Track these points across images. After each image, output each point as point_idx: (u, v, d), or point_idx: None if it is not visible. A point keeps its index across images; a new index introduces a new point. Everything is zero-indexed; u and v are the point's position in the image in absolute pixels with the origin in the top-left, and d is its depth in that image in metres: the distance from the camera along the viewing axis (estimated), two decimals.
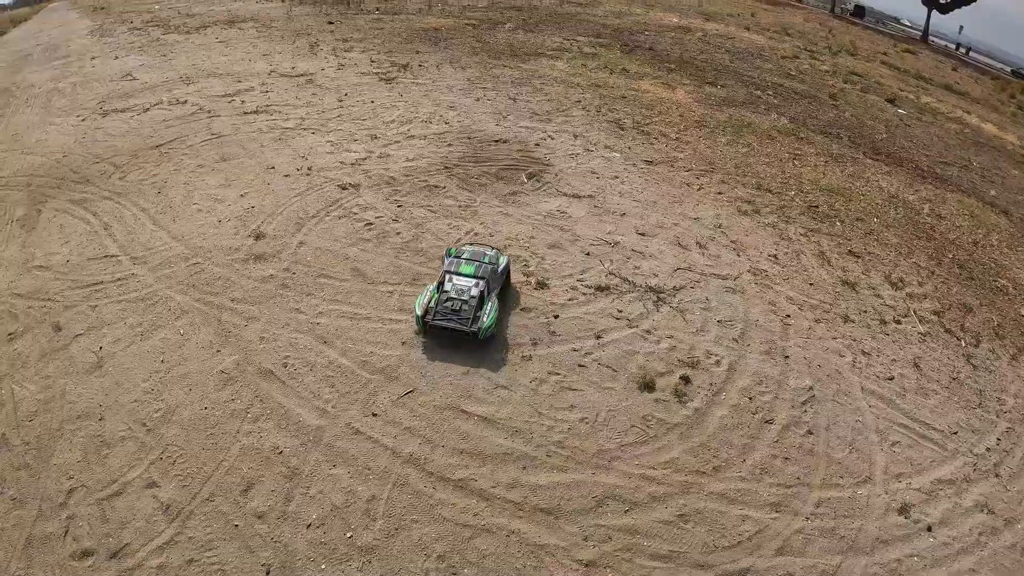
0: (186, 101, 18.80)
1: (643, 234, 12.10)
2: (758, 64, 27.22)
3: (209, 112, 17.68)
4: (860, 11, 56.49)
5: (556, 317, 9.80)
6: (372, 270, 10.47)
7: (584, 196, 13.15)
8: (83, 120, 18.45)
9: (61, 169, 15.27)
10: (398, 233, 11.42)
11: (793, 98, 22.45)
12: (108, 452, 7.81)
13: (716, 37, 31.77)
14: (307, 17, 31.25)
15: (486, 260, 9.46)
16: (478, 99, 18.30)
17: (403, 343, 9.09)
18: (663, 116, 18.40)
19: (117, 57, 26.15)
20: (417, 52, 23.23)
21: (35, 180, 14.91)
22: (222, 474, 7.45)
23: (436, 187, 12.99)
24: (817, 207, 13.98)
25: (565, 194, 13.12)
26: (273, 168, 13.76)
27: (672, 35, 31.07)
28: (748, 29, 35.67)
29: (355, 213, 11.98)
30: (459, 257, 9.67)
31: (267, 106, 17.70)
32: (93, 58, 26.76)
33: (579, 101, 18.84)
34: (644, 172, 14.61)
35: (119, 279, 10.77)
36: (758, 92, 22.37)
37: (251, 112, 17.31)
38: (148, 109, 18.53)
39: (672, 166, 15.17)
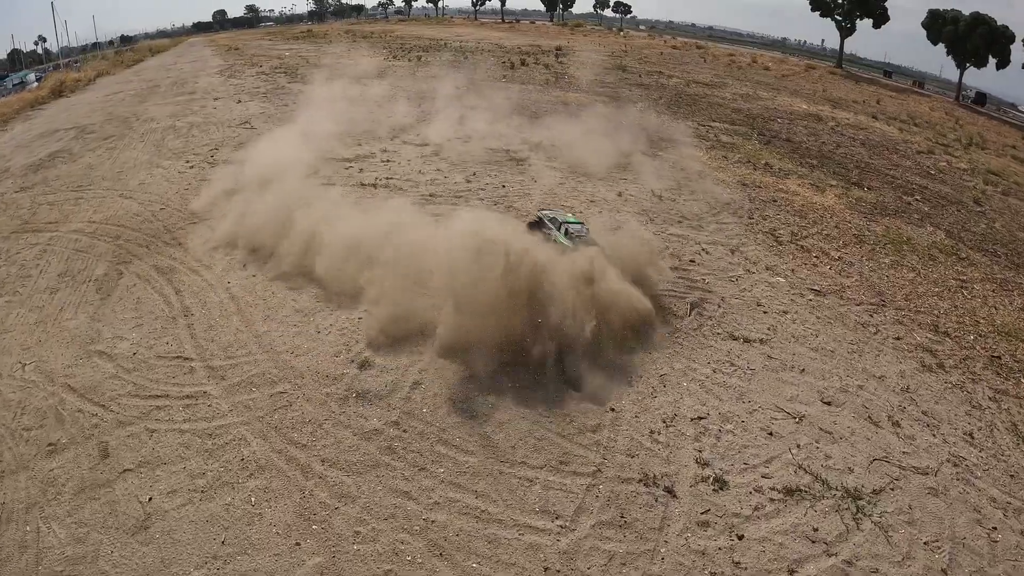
0: (301, 160, 16.69)
1: (829, 403, 9.15)
2: (896, 160, 24.62)
3: (324, 178, 15.50)
4: (982, 98, 53.55)
5: (740, 538, 6.88)
6: (506, 440, 7.64)
7: (755, 340, 10.25)
8: (191, 167, 16.57)
9: (155, 224, 13.21)
10: (542, 386, 8.59)
11: (941, 204, 19.89)
12: None
13: (848, 128, 29.28)
14: (433, 80, 29.48)
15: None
16: (619, 193, 15.68)
17: (546, 569, 6.23)
18: (819, 227, 15.66)
19: (240, 101, 24.66)
20: (548, 129, 20.79)
21: (125, 233, 12.89)
22: None
23: None
24: (999, 357, 11.28)
25: (733, 336, 10.24)
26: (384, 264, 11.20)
27: (804, 124, 28.69)
28: (876, 118, 33.27)
29: None
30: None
31: (387, 179, 15.43)
32: (216, 99, 25.38)
33: (728, 203, 16.12)
34: (814, 306, 11.76)
35: (188, 396, 8.28)
36: (907, 198, 19.83)
37: (368, 184, 15.02)
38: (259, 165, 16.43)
39: (841, 297, 12.37)
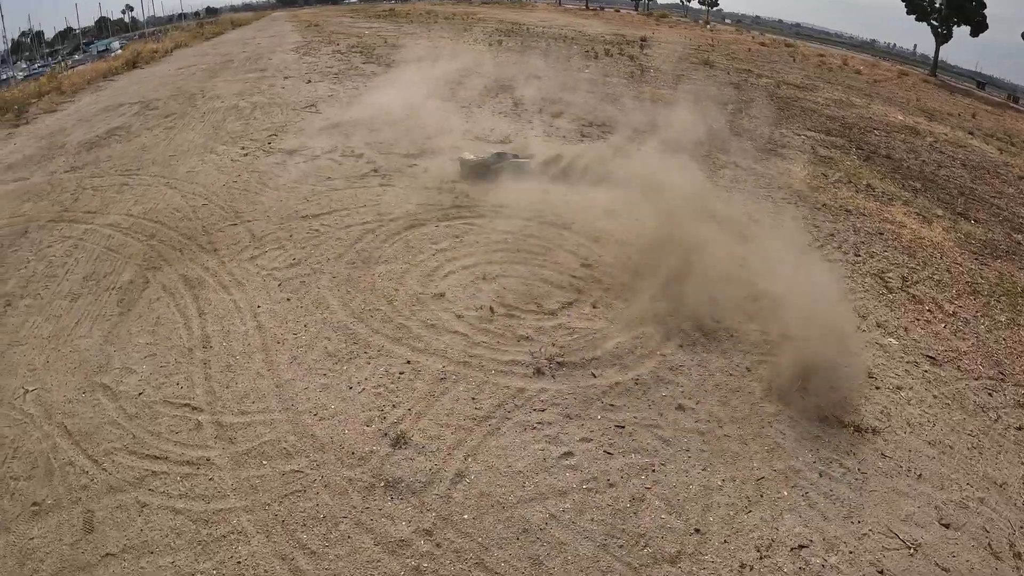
0: (362, 155, 15.28)
1: (947, 525, 7.18)
2: (998, 187, 22.12)
3: (384, 177, 13.95)
4: None
5: None
6: (563, 570, 5.87)
7: (867, 429, 8.27)
8: (245, 154, 15.24)
9: (194, 223, 11.88)
10: (611, 484, 6.79)
11: None
12: None
13: (947, 145, 26.77)
14: (512, 65, 27.66)
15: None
16: (712, 216, 13.73)
17: None
18: (930, 269, 13.52)
19: (310, 81, 23.35)
20: (635, 130, 18.74)
21: (160, 231, 11.61)
22: None
23: (666, 382, 8.34)
24: None
25: (842, 422, 8.28)
26: (442, 296, 9.58)
27: (902, 138, 26.22)
28: (972, 135, 30.56)
29: (548, 424, 7.48)
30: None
31: (453, 182, 13.75)
32: (287, 77, 24.14)
33: (832, 235, 14.08)
34: (930, 380, 9.68)
35: (187, 463, 6.80)
36: (1016, 235, 17.48)
37: (432, 188, 13.37)
38: (317, 156, 15.10)
39: (959, 367, 10.21)
